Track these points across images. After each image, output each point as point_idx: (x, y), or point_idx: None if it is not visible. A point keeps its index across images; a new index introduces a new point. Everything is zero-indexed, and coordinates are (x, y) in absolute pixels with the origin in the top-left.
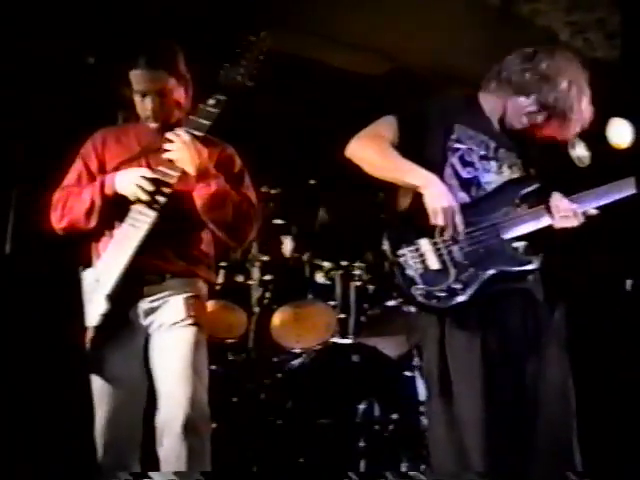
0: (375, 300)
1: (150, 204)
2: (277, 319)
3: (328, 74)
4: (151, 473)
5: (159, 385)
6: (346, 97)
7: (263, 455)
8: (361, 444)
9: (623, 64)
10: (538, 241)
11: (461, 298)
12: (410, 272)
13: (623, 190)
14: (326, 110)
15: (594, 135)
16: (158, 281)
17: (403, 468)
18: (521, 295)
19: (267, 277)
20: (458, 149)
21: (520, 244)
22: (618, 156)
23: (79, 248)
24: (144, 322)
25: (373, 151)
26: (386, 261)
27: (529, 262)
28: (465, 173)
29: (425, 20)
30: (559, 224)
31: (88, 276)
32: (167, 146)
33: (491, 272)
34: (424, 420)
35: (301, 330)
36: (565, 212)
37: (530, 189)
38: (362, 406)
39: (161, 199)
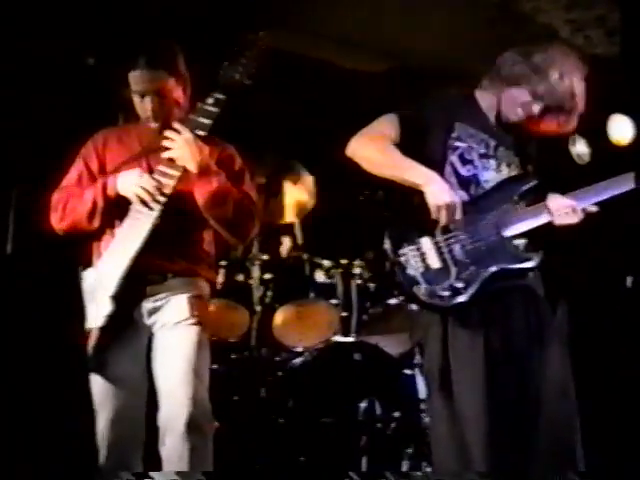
0: (377, 298)
1: (151, 205)
2: (279, 318)
3: (328, 72)
4: (153, 473)
5: (161, 384)
6: (346, 95)
7: (265, 454)
8: (363, 442)
9: (623, 61)
10: (538, 238)
11: (464, 296)
12: (411, 271)
13: (622, 186)
14: (326, 108)
15: (595, 132)
16: (160, 281)
17: (405, 466)
18: (522, 292)
19: (268, 276)
20: (458, 147)
21: (520, 241)
22: (619, 153)
23: (79, 248)
24: (147, 322)
25: (374, 149)
26: (387, 260)
27: (530, 259)
28: (464, 171)
29: (425, 18)
30: (559, 221)
31: (89, 276)
32: (167, 144)
33: (492, 270)
34: (426, 418)
35: (303, 329)
36: (565, 209)
37: (529, 186)
38: (363, 404)
39: (162, 199)
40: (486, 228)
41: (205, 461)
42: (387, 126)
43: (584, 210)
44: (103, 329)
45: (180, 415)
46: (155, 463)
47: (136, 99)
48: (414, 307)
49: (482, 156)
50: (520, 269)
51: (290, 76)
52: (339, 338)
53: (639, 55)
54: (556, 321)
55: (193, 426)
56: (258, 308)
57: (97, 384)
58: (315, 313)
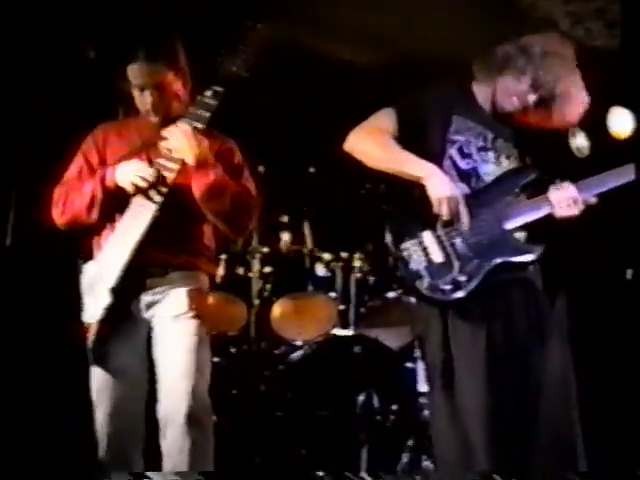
0: (376, 291)
1: (150, 197)
2: (277, 311)
3: (327, 65)
4: (152, 473)
5: (161, 377)
6: (345, 88)
7: (264, 447)
8: (362, 435)
9: (623, 53)
10: (539, 231)
11: (466, 290)
12: (414, 265)
13: (623, 177)
14: (325, 101)
15: (594, 125)
16: (160, 274)
17: (405, 459)
18: (522, 284)
19: (267, 269)
20: (456, 141)
21: (522, 234)
22: (618, 146)
23: (79, 240)
24: (146, 315)
25: (374, 144)
26: (389, 254)
27: (531, 252)
28: (464, 164)
29: (425, 11)
30: (559, 213)
31: (89, 269)
32: (166, 134)
33: (495, 263)
34: (425, 411)
35: (302, 322)
36: (565, 200)
37: (529, 179)
38: (362, 397)
39: (162, 190)
40: (487, 221)
41: (205, 455)
42: (385, 120)
43: (584, 202)
44: (102, 322)
45: (180, 409)
46: (155, 457)
47: (136, 93)
48: (412, 300)
49: (480, 149)
50: (522, 262)
51: (289, 68)
52: (338, 331)
53: (639, 47)
54: (556, 314)
55: (193, 419)
56: (256, 301)
57: (96, 377)
58: (313, 306)
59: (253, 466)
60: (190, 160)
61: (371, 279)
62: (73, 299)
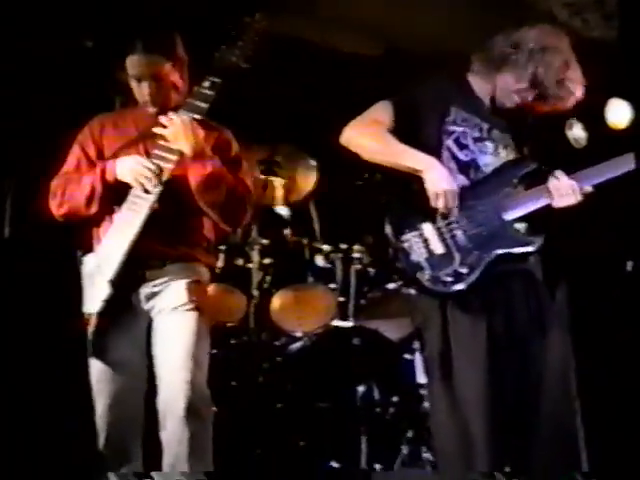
0: (375, 283)
1: (149, 189)
2: (277, 302)
3: (326, 55)
4: (153, 473)
5: (160, 369)
6: (344, 79)
7: (263, 438)
8: (362, 427)
9: (621, 44)
10: (539, 222)
11: (467, 282)
12: (415, 257)
13: (622, 167)
14: (323, 92)
15: (592, 116)
16: (159, 266)
17: (404, 450)
18: (522, 275)
19: (267, 260)
20: (453, 132)
21: (521, 225)
22: (616, 137)
23: (78, 232)
24: (146, 306)
25: (371, 137)
26: (390, 245)
27: (531, 243)
28: (462, 156)
29: (424, 3)
30: (558, 203)
31: (89, 261)
32: (164, 122)
33: (495, 254)
34: (425, 403)
35: (301, 313)
36: (565, 190)
37: (528, 169)
38: (362, 389)
39: (161, 180)
40: (487, 212)
41: (205, 446)
42: (381, 113)
43: (582, 191)
44: (101, 314)
45: (179, 400)
46: (154, 448)
47: (133, 83)
48: (412, 292)
49: (477, 140)
50: (522, 252)
51: (288, 60)
52: (338, 323)
53: (637, 38)
54: (556, 306)
55: (192, 410)
56: (256, 293)
57: (96, 368)
58: (313, 298)
59: (253, 457)
60: (187, 151)
61: (371, 270)
62: (73, 291)
